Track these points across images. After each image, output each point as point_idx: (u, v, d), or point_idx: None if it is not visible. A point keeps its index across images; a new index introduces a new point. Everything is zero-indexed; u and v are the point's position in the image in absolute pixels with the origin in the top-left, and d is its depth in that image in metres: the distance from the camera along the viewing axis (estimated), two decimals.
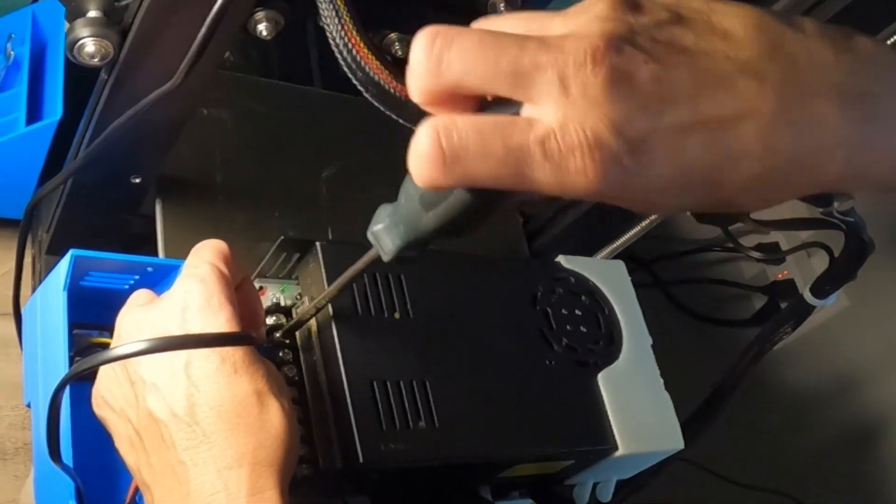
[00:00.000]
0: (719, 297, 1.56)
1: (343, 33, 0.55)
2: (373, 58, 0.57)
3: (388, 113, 0.61)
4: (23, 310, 0.86)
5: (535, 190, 0.43)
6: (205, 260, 0.68)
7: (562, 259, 0.96)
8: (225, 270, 0.68)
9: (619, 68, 0.41)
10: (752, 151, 0.42)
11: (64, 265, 0.76)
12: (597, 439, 0.86)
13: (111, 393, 0.67)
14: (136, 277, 0.83)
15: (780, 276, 1.52)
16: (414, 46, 0.44)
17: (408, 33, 0.88)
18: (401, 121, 0.58)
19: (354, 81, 0.59)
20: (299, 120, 1.06)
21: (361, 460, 0.72)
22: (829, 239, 1.27)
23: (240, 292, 0.70)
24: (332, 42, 0.55)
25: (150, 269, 0.81)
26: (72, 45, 0.71)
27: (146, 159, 0.84)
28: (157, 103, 0.72)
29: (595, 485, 0.96)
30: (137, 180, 0.85)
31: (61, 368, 0.74)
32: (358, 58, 0.57)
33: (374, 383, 0.76)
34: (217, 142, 0.99)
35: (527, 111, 0.43)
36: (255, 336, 0.65)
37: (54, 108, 0.91)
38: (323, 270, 0.79)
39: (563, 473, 0.91)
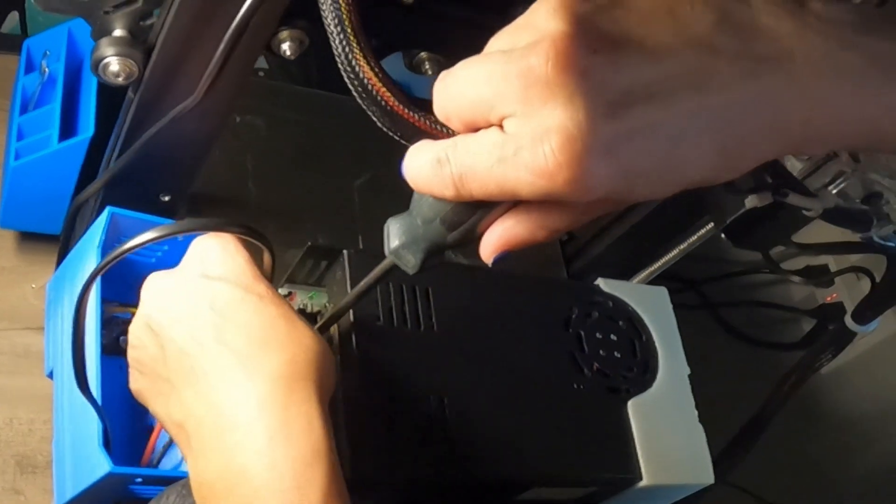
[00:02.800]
0: (767, 319, 1.53)
1: (349, 55, 0.54)
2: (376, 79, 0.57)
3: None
4: (47, 284, 0.87)
5: (521, 198, 0.44)
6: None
7: (601, 282, 0.94)
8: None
9: (572, 66, 0.41)
10: (708, 128, 0.42)
11: (100, 222, 0.77)
12: (620, 467, 0.84)
13: (140, 361, 0.66)
14: (165, 248, 0.84)
15: (829, 298, 1.48)
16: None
17: (439, 53, 0.87)
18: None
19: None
20: (333, 128, 1.05)
21: (370, 474, 0.71)
22: (876, 263, 1.23)
23: None
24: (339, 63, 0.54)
25: (180, 238, 0.81)
26: (96, 63, 0.71)
27: (175, 178, 0.84)
28: (180, 121, 0.72)
29: None
30: (167, 198, 0.85)
31: (92, 330, 0.76)
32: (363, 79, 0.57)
33: (390, 396, 0.75)
34: (250, 149, 0.99)
35: (506, 125, 0.43)
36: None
37: (88, 125, 0.91)
38: (348, 279, 0.78)
39: (586, 500, 0.89)
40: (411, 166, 0.48)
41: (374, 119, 0.56)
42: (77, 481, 0.76)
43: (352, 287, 0.78)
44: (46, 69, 0.95)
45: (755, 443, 1.03)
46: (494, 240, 0.49)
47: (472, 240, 0.51)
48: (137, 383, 0.67)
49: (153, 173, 0.81)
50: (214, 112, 0.75)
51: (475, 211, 0.49)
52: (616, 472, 0.84)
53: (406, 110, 0.54)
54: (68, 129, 0.92)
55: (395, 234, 0.55)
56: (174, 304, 0.62)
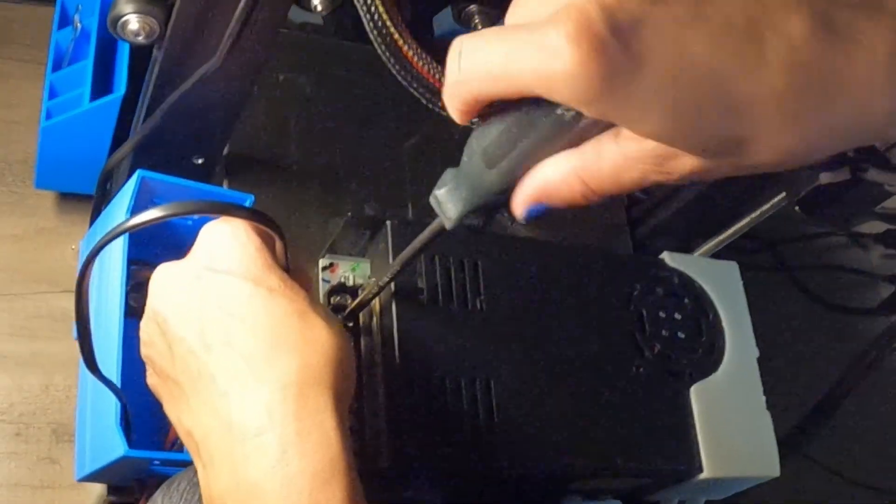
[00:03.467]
0: (844, 283, 1.45)
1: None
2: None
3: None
4: (80, 243, 0.84)
5: (530, 91, 0.38)
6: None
7: (666, 256, 0.87)
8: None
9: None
10: (772, 60, 0.35)
11: (130, 185, 0.73)
12: (679, 459, 0.78)
13: (151, 360, 0.62)
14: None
15: None
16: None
17: (488, 6, 0.81)
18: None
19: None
20: (383, 86, 0.98)
21: (409, 460, 0.66)
22: None
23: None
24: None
25: (190, 221, 0.77)
26: (114, 21, 0.66)
27: (206, 140, 0.79)
28: (206, 82, 0.67)
29: (681, 503, 0.89)
30: (200, 161, 0.81)
31: (117, 294, 0.72)
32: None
33: (432, 377, 0.70)
34: (293, 108, 0.93)
35: None
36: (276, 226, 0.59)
37: (121, 83, 0.87)
38: (391, 251, 0.73)
39: (642, 490, 0.84)
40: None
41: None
42: (94, 458, 0.73)
43: (394, 260, 0.73)
44: (79, 24, 0.91)
45: (832, 416, 0.97)
46: (528, 186, 0.45)
47: (513, 185, 0.46)
48: (152, 379, 0.63)
49: (182, 136, 0.77)
50: (241, 72, 0.70)
51: (516, 141, 0.44)
52: (675, 464, 0.78)
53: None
54: (103, 87, 0.88)
55: (444, 179, 0.51)
56: (181, 301, 0.58)
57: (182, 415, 0.58)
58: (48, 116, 0.86)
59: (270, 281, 0.57)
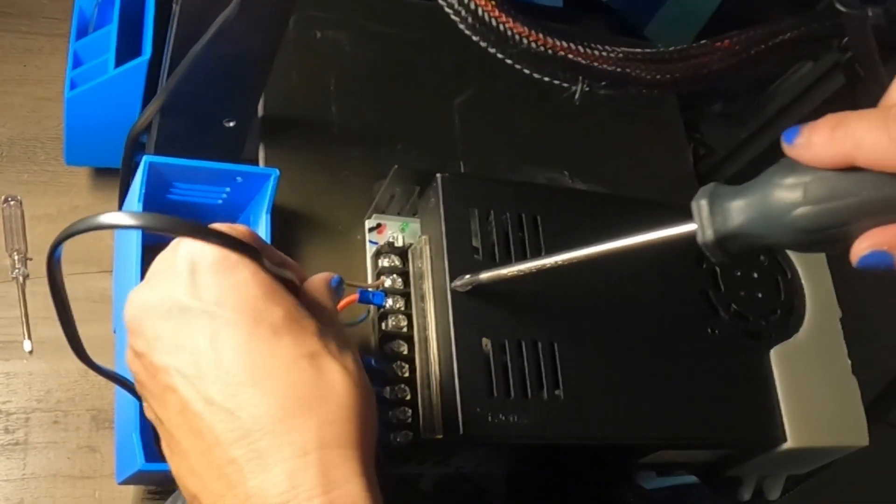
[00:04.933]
0: None
1: None
2: None
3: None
4: (116, 232, 0.80)
5: None
6: (215, 226, 0.52)
7: None
8: (246, 232, 0.53)
9: None
10: None
11: (138, 175, 0.69)
12: (761, 427, 0.72)
13: (144, 395, 0.53)
14: (227, 189, 0.75)
15: None
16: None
17: None
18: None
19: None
20: (429, 40, 0.92)
21: (462, 432, 0.61)
22: None
23: (306, 283, 0.57)
24: None
25: (239, 178, 0.72)
26: None
27: (236, 99, 0.74)
28: (227, 34, 0.62)
29: (762, 479, 0.82)
30: (231, 124, 0.75)
31: (132, 287, 0.67)
32: None
33: (488, 341, 0.64)
34: (332, 67, 0.88)
35: None
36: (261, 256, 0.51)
37: (147, 47, 0.81)
38: (442, 206, 0.68)
39: (720, 464, 0.78)
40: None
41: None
42: (121, 468, 0.69)
43: (445, 216, 0.67)
44: None
45: None
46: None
47: (815, 242, 0.45)
48: (150, 413, 0.54)
49: (208, 96, 0.71)
50: (261, 21, 0.64)
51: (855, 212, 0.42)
52: (756, 433, 0.72)
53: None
54: (130, 53, 0.83)
55: (721, 192, 0.48)
56: (167, 344, 0.49)
57: (185, 477, 0.51)
58: (72, 87, 0.82)
59: (273, 316, 0.49)
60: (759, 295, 0.77)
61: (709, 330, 0.73)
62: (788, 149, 0.44)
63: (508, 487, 0.77)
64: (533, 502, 0.77)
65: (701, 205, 0.48)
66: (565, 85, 0.59)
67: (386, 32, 0.91)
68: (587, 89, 0.59)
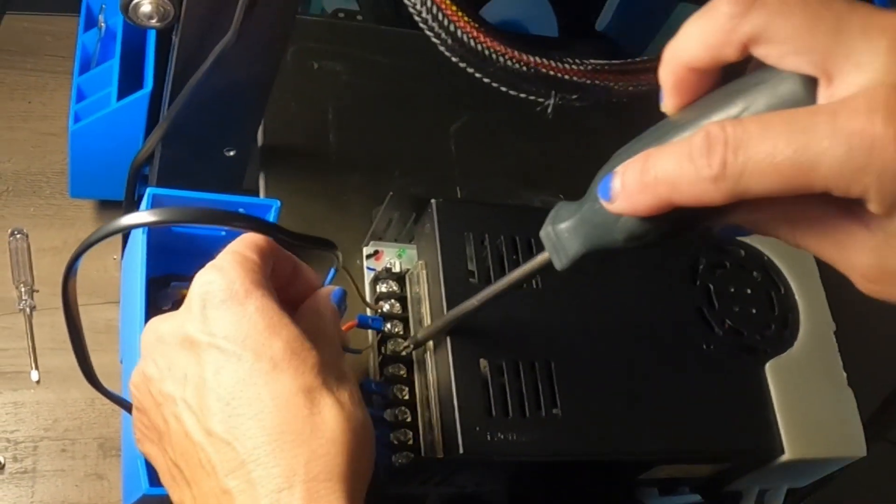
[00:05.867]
0: None
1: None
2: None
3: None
4: (122, 262, 0.81)
5: (820, 188, 0.36)
6: (227, 251, 0.57)
7: None
8: (254, 258, 0.56)
9: None
10: None
11: (142, 206, 0.70)
12: (758, 440, 0.73)
13: (145, 424, 0.57)
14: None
15: None
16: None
17: None
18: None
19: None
20: (424, 69, 0.94)
21: (462, 451, 0.62)
22: None
23: (309, 301, 0.60)
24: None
25: (241, 210, 0.73)
26: (126, 5, 0.63)
27: (235, 128, 0.76)
28: (225, 64, 0.64)
29: (762, 493, 0.83)
30: (232, 153, 0.77)
31: (137, 319, 0.68)
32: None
33: (485, 363, 0.65)
34: (330, 97, 0.89)
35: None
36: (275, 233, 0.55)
37: (150, 79, 0.83)
38: (437, 231, 0.69)
39: (720, 478, 0.79)
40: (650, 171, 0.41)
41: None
42: (127, 494, 0.70)
43: (441, 241, 0.69)
44: (104, 24, 0.88)
45: None
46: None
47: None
48: (144, 447, 0.58)
49: (208, 126, 0.73)
50: (259, 49, 0.66)
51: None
52: (753, 446, 0.73)
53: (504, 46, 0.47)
54: (132, 86, 0.84)
55: (562, 214, 0.48)
56: (177, 374, 0.53)
57: (186, 502, 0.53)
58: (76, 120, 0.83)
59: (273, 349, 0.52)
60: (754, 311, 0.78)
61: (704, 346, 0.74)
62: (609, 206, 0.43)
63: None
64: None
65: (548, 232, 0.49)
66: (540, 100, 0.61)
67: (382, 62, 0.93)
68: (560, 102, 0.60)
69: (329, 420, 0.51)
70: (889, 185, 0.34)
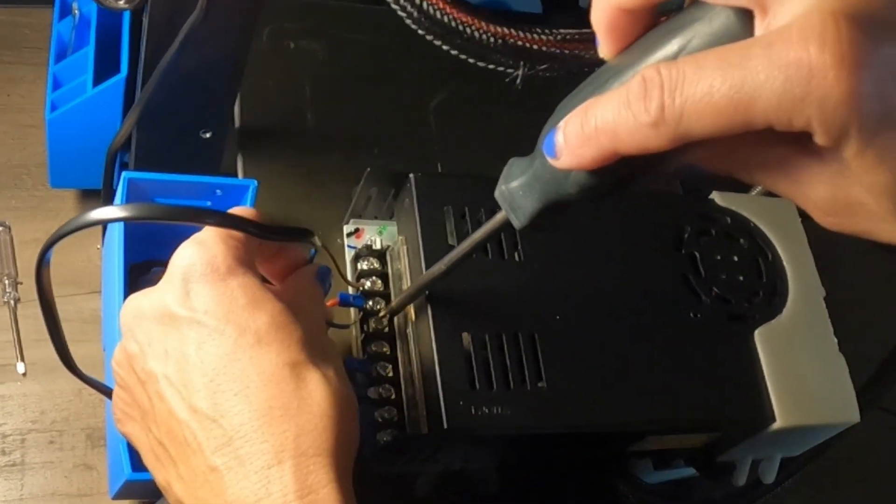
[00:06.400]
0: None
1: None
2: None
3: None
4: (102, 250, 0.80)
5: (762, 124, 0.35)
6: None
7: (716, 196, 0.82)
8: (238, 233, 0.55)
9: None
10: None
11: (119, 192, 0.69)
12: (748, 408, 0.72)
13: (127, 402, 0.56)
14: (208, 203, 0.76)
15: None
16: None
17: None
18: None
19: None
20: (401, 46, 0.93)
21: (447, 426, 0.61)
22: None
23: (293, 277, 0.60)
24: None
25: (219, 191, 0.73)
26: None
27: (209, 109, 0.75)
28: (195, 42, 0.63)
29: (756, 463, 0.82)
30: (208, 135, 0.76)
31: (116, 306, 0.67)
32: None
33: (468, 336, 0.64)
34: (307, 77, 0.89)
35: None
36: (260, 227, 0.54)
37: (125, 64, 0.82)
38: (416, 205, 0.68)
39: (711, 449, 0.78)
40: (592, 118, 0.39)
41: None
42: (112, 480, 0.69)
43: (420, 215, 0.68)
44: (77, 11, 0.87)
45: None
46: None
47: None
48: (125, 427, 0.57)
49: (182, 107, 0.72)
50: (229, 27, 0.65)
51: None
52: (744, 414, 0.72)
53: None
54: (108, 73, 0.83)
55: (514, 173, 0.48)
56: (158, 350, 0.52)
57: (172, 482, 0.53)
58: (53, 108, 0.83)
59: (257, 324, 0.51)
60: (741, 278, 0.77)
61: (691, 314, 0.74)
62: (555, 163, 0.42)
63: (501, 482, 0.77)
64: (526, 496, 0.78)
65: (503, 191, 0.48)
66: (509, 70, 0.60)
67: (358, 40, 0.92)
68: (530, 73, 0.60)
69: (315, 394, 0.51)
70: (831, 114, 0.33)
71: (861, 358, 0.81)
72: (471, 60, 0.59)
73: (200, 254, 0.52)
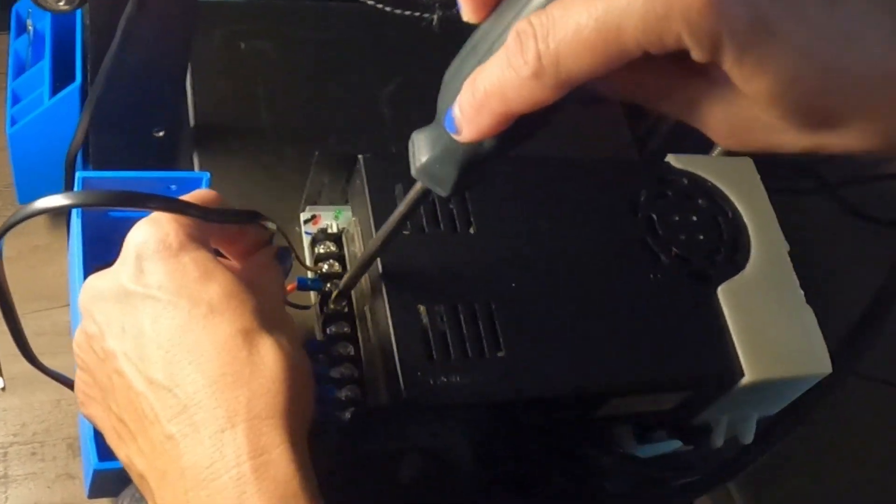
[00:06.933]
0: (879, 193, 1.35)
1: None
2: None
3: None
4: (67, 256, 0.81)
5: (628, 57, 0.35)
6: None
7: (671, 158, 0.82)
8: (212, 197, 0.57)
9: None
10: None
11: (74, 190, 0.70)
12: (715, 364, 0.72)
13: (88, 384, 0.57)
14: (174, 188, 0.76)
15: None
16: None
17: None
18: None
19: None
20: (351, 39, 0.94)
21: (405, 396, 0.61)
22: None
23: (253, 256, 0.61)
24: None
25: (173, 186, 0.73)
26: None
27: (158, 108, 0.76)
28: (134, 36, 0.64)
29: (733, 425, 0.82)
30: (161, 133, 0.77)
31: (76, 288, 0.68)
32: None
33: (424, 309, 0.65)
34: (259, 75, 0.90)
35: None
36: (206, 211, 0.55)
37: (79, 73, 0.83)
38: (366, 188, 0.69)
39: (685, 410, 0.78)
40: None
41: None
42: (87, 480, 0.70)
43: (371, 195, 0.69)
44: (31, 27, 0.89)
45: (884, 324, 0.89)
46: None
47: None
48: (88, 409, 0.58)
49: (131, 107, 0.73)
50: (168, 22, 0.66)
51: None
52: (711, 370, 0.72)
53: None
54: (67, 83, 0.85)
55: (423, 147, 0.48)
56: (115, 328, 0.53)
57: (133, 456, 0.53)
58: (12, 123, 0.84)
59: (210, 293, 0.52)
60: (700, 237, 0.77)
61: (651, 276, 0.74)
62: (459, 138, 0.42)
63: (484, 468, 0.77)
64: (502, 470, 0.78)
65: (419, 170, 0.48)
66: (425, 16, 0.60)
67: (308, 37, 0.93)
68: (445, 15, 0.60)
69: (268, 360, 0.51)
70: (697, 24, 0.33)
71: (834, 312, 0.81)
72: (388, 9, 0.59)
73: (153, 232, 0.53)
